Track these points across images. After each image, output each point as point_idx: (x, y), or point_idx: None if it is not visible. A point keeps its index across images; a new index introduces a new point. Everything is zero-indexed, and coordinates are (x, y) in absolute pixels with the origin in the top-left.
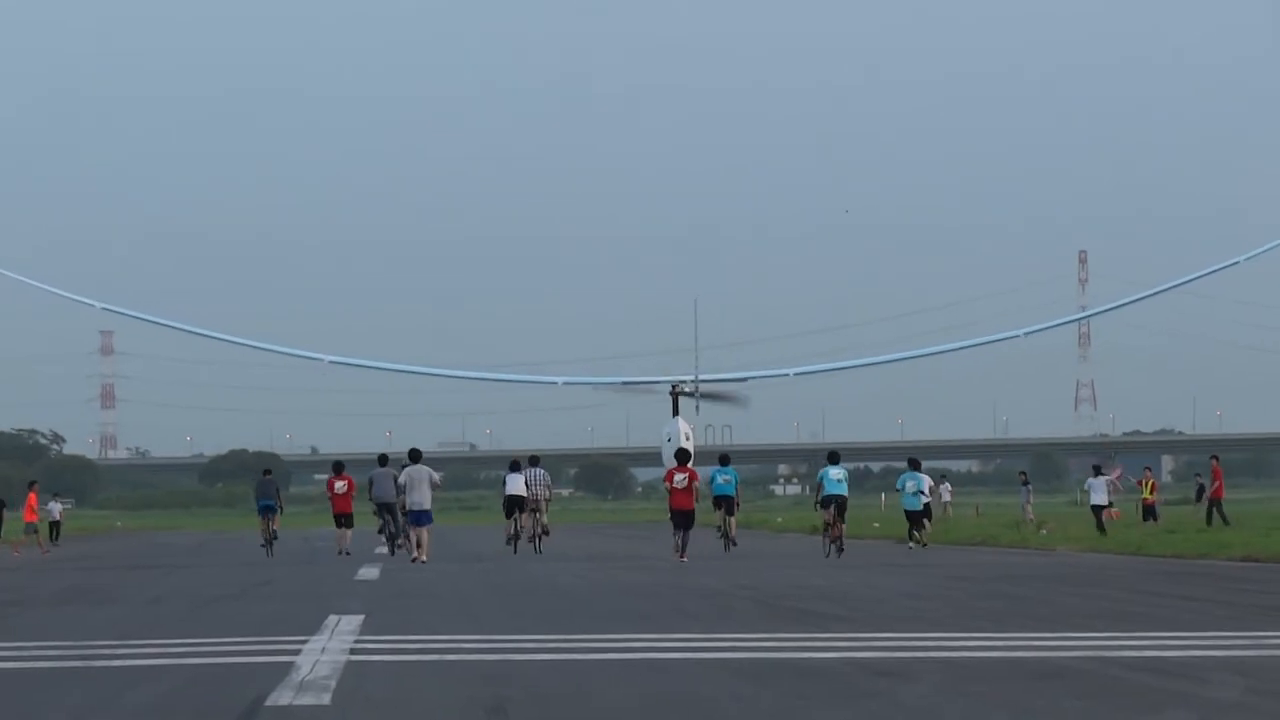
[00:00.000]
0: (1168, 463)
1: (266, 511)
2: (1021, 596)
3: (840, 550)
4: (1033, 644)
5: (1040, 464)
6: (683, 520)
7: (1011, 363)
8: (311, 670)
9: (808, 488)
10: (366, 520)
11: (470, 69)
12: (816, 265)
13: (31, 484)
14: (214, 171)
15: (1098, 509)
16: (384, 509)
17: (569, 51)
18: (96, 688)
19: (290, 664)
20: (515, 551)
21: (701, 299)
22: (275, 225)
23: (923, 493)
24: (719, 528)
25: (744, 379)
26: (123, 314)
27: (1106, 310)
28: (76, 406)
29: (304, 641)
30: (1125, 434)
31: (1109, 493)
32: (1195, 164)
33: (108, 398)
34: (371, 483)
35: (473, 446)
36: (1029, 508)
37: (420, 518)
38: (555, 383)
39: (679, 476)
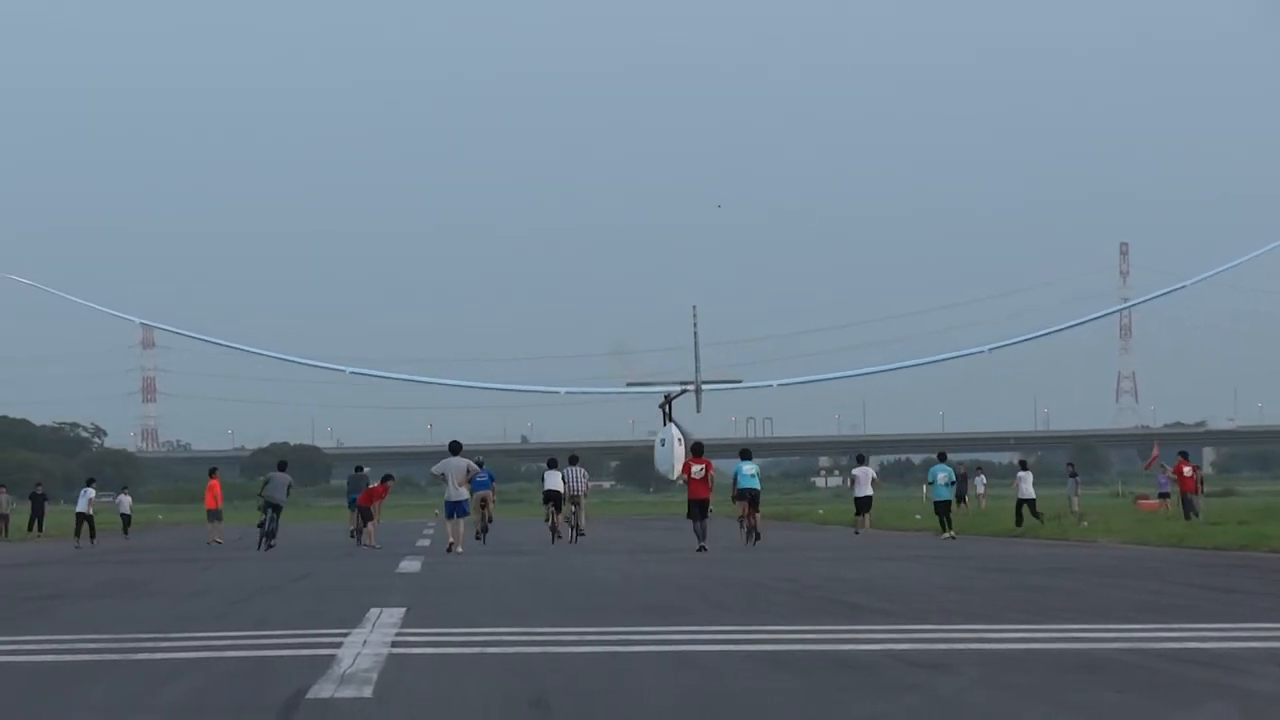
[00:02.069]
0: (1209, 454)
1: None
2: (1061, 589)
3: (757, 538)
4: (1072, 636)
5: (1081, 456)
6: (699, 510)
7: (1052, 354)
8: (353, 663)
9: (849, 480)
10: (396, 514)
11: (477, 66)
12: (843, 258)
13: (212, 471)
14: (227, 169)
15: (1022, 502)
16: (270, 507)
17: (566, 52)
18: (135, 681)
19: (332, 657)
20: (553, 542)
21: (714, 293)
22: (288, 224)
23: (953, 483)
24: (741, 519)
25: (735, 386)
26: (156, 327)
27: (1070, 327)
28: (118, 400)
29: (345, 634)
30: (1166, 425)
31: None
32: (1237, 154)
33: (149, 391)
34: (266, 482)
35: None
36: (1076, 500)
37: (455, 509)
38: (558, 391)
39: (695, 467)
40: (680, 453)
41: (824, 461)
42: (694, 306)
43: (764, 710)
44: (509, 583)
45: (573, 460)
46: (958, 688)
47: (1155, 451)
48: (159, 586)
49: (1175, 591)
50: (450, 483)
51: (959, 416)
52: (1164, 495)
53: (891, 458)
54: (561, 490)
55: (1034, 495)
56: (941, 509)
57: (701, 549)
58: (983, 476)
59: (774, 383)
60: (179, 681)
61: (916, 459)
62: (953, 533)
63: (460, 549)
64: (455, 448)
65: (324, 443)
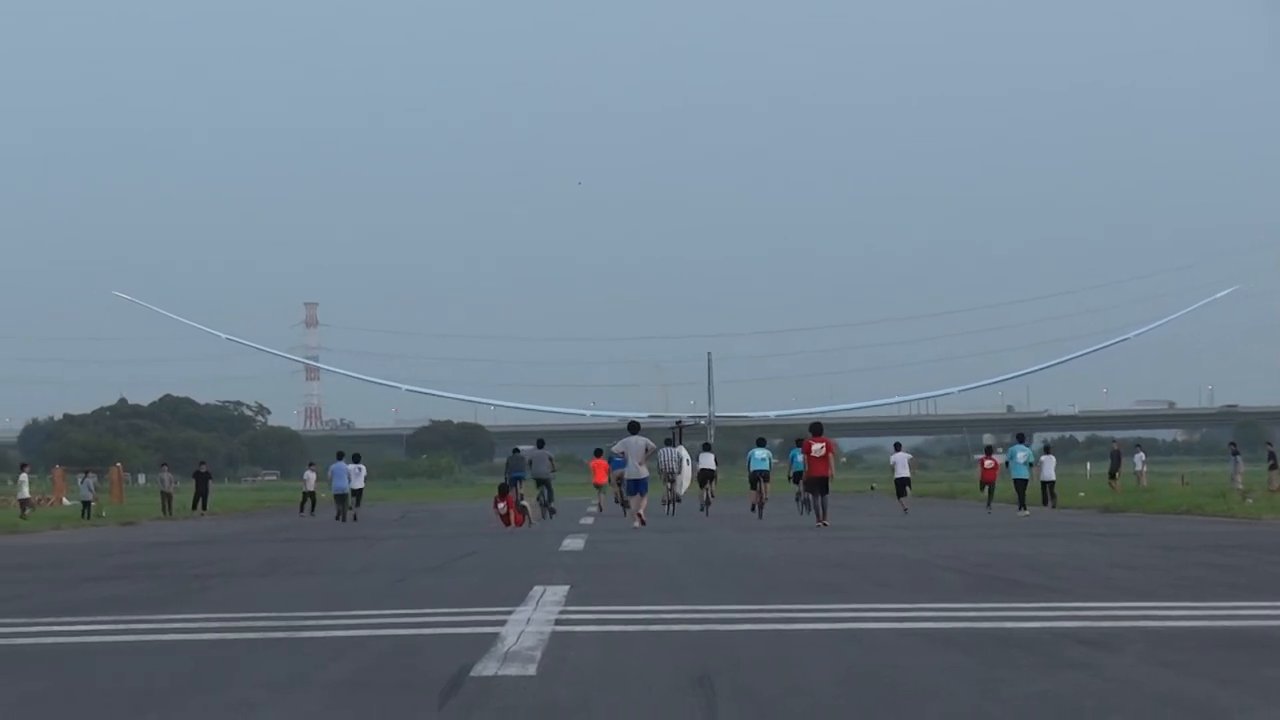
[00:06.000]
0: None
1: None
2: (1227, 565)
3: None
4: (1238, 613)
5: (1245, 433)
6: (819, 486)
7: (1217, 332)
8: (517, 641)
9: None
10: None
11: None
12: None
13: (598, 451)
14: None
15: (1048, 484)
16: (540, 483)
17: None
18: (302, 658)
19: (495, 635)
20: (706, 515)
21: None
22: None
23: (1031, 464)
24: (802, 495)
25: (740, 417)
26: (236, 341)
27: (1036, 370)
28: (281, 378)
29: (509, 612)
30: None
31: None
32: None
33: (312, 369)
34: (530, 462)
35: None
36: (1239, 477)
37: (637, 487)
38: (585, 415)
39: (816, 446)
40: (689, 473)
41: (988, 439)
42: (709, 353)
43: (930, 688)
44: (671, 560)
45: (669, 442)
46: (1123, 665)
47: None
48: (323, 564)
49: None
50: (630, 461)
51: (1122, 393)
52: None
53: (1055, 434)
54: (715, 469)
55: (1054, 478)
56: (1020, 487)
57: (822, 524)
58: (1142, 453)
59: (772, 413)
60: (343, 659)
61: (1080, 436)
62: (1028, 511)
63: (640, 521)
64: (634, 427)
65: (486, 422)
